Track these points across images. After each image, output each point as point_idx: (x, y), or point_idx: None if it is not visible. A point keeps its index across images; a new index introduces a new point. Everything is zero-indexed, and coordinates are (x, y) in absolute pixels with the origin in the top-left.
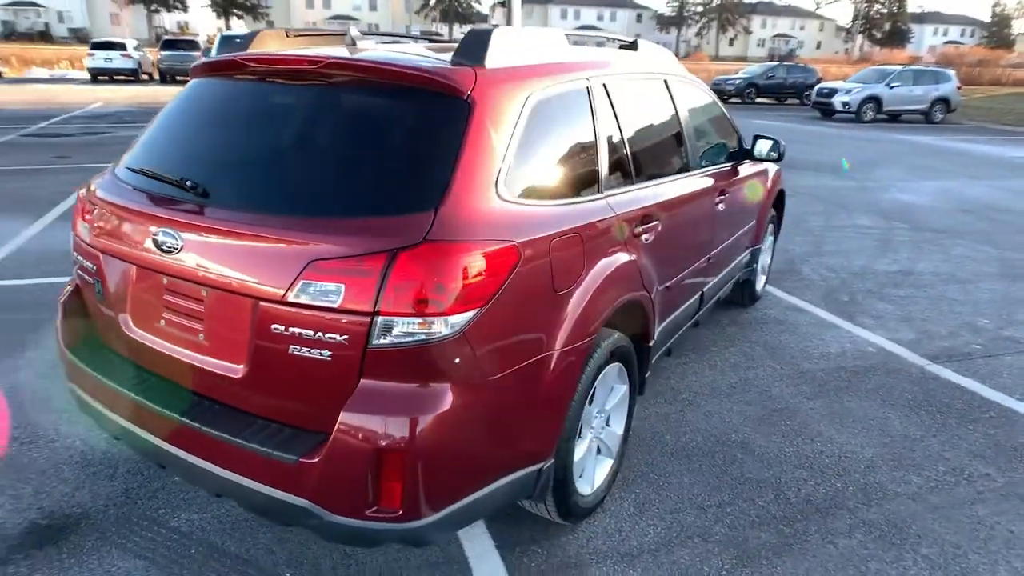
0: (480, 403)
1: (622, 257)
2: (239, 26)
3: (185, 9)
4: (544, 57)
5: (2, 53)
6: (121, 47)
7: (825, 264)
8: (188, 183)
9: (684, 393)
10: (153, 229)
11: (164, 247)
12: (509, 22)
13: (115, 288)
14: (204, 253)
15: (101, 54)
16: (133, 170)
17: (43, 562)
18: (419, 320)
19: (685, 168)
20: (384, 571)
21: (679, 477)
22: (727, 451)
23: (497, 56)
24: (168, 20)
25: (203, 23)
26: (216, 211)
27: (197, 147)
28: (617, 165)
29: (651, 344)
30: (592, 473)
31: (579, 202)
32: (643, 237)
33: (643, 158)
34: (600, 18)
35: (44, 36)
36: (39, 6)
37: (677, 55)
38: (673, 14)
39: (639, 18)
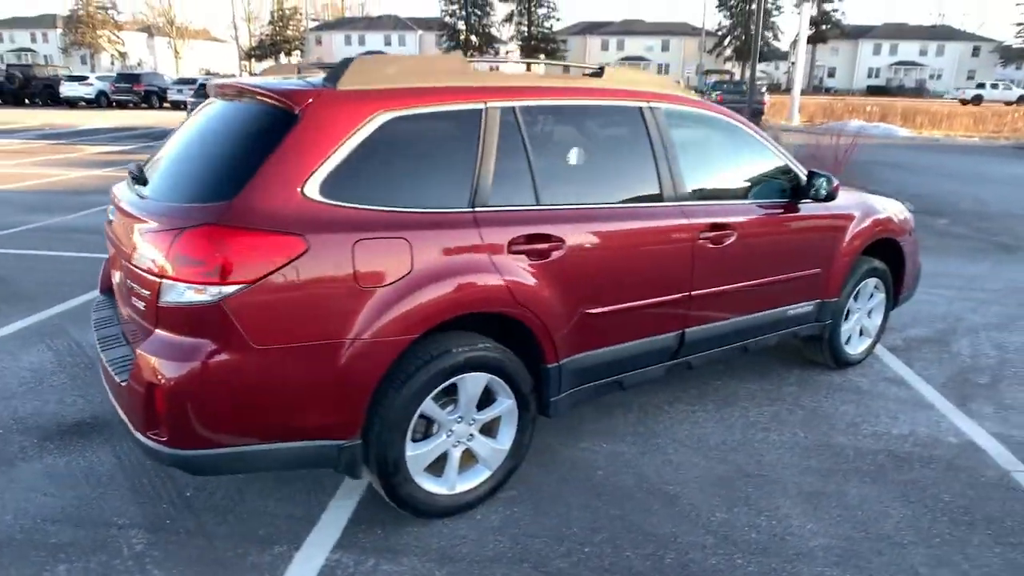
0: (245, 366)
1: (481, 269)
2: None
3: (495, 53)
4: (420, 82)
5: None
6: None
7: (1003, 341)
8: (133, 172)
9: (660, 438)
10: (110, 207)
11: (109, 220)
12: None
13: (110, 251)
14: (119, 225)
15: None
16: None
17: (66, 443)
18: (192, 287)
19: (654, 198)
20: (258, 512)
21: (570, 510)
22: (647, 499)
23: (352, 80)
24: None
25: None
26: (141, 195)
27: (168, 150)
28: (507, 185)
29: (551, 366)
30: (453, 477)
31: (423, 211)
32: (534, 257)
33: (557, 182)
34: (923, 52)
35: None
36: None
37: (1012, 99)
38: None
39: (975, 51)
